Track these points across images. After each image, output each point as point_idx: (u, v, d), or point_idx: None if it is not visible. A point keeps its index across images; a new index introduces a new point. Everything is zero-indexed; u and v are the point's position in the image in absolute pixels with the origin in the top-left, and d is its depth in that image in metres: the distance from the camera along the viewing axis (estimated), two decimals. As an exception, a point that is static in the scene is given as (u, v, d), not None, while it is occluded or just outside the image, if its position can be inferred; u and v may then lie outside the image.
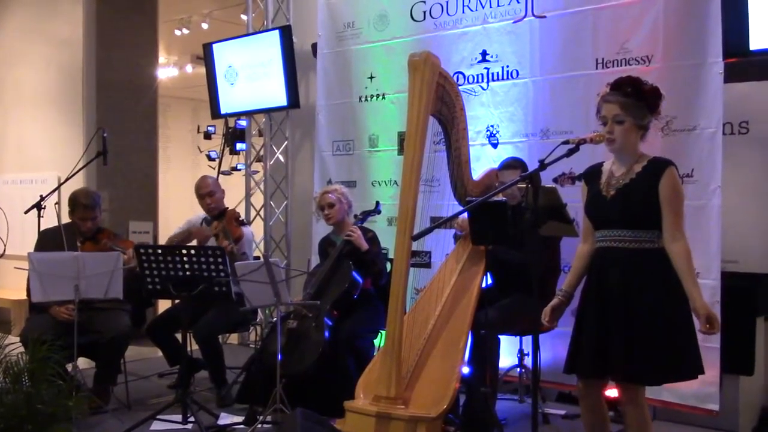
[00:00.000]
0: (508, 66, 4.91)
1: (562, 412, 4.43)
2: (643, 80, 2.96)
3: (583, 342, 2.97)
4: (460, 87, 4.25)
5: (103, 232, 4.77)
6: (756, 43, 4.00)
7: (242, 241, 4.85)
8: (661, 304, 2.85)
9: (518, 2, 4.83)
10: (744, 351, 4.20)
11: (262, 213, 6.98)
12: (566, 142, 2.90)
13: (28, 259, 4.18)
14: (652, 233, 2.89)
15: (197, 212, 5.34)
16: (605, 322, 2.89)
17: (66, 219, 4.78)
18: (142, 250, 4.13)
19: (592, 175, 3.10)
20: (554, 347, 4.30)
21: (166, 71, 10.21)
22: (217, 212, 5.04)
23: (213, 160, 7.19)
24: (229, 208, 5.10)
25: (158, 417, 4.10)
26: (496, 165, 4.43)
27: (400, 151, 5.37)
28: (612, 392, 3.62)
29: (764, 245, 4.48)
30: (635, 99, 2.91)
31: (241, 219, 4.99)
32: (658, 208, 2.88)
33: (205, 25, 8.99)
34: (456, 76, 4.91)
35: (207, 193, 5.04)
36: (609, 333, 2.88)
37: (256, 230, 6.09)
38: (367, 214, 4.60)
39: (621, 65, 4.37)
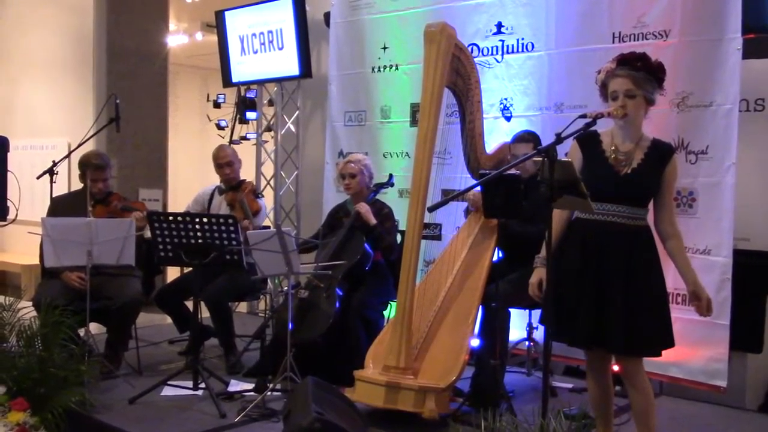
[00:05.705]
0: (523, 39, 4.86)
1: (570, 386, 4.45)
2: (647, 55, 2.98)
3: (577, 312, 2.93)
4: (474, 59, 4.21)
5: (114, 195, 4.78)
6: (775, 19, 3.96)
7: (258, 215, 4.88)
8: (655, 279, 2.94)
9: (534, -27, 4.77)
10: (753, 328, 4.22)
11: (272, 183, 6.98)
12: (583, 116, 2.87)
13: (42, 225, 4.20)
14: (645, 211, 2.99)
15: (204, 181, 5.33)
16: (605, 295, 2.90)
17: (77, 186, 4.79)
18: (154, 218, 4.15)
19: (589, 141, 3.04)
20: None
21: (176, 39, 10.14)
22: (234, 182, 5.05)
23: (222, 128, 7.17)
24: (246, 180, 5.09)
25: (169, 383, 4.14)
26: (509, 138, 4.41)
27: (413, 122, 5.34)
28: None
29: (776, 224, 4.48)
30: (646, 73, 2.93)
31: (257, 192, 5.00)
32: (657, 191, 2.97)
33: (215, -8, 8.90)
34: (470, 48, 4.85)
35: (226, 162, 5.04)
36: (609, 306, 2.88)
37: (266, 200, 6.10)
38: (380, 187, 4.59)
39: (638, 39, 4.32)
